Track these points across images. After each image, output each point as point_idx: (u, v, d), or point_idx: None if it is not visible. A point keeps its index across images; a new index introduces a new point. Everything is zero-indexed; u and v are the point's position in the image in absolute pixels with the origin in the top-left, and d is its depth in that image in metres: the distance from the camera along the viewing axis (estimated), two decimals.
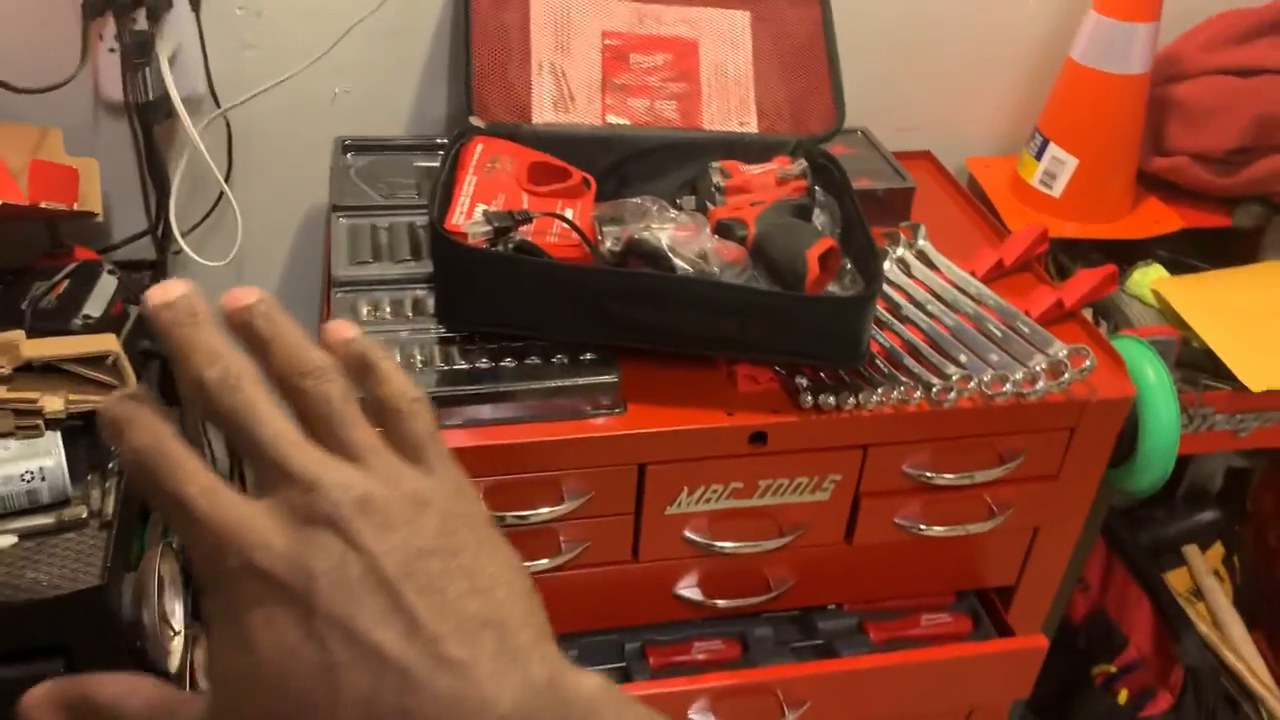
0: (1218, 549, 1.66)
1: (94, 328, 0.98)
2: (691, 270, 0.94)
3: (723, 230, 1.01)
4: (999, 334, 1.04)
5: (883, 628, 1.17)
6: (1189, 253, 1.34)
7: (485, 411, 0.92)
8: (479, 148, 1.06)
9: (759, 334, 0.93)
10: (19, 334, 0.90)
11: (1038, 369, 0.99)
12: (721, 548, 1.02)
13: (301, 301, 1.35)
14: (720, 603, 1.07)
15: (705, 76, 1.16)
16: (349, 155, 1.22)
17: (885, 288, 1.10)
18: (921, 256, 1.17)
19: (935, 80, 1.41)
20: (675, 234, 0.97)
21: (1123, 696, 1.47)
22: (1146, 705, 1.44)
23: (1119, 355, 1.07)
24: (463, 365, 0.93)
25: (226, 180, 1.25)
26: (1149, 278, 1.26)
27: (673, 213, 1.05)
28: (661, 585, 1.06)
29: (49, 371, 0.90)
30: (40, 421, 0.89)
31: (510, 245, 0.94)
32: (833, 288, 0.98)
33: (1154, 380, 1.08)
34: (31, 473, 0.86)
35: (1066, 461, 1.06)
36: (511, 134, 1.09)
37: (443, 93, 1.29)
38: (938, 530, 1.07)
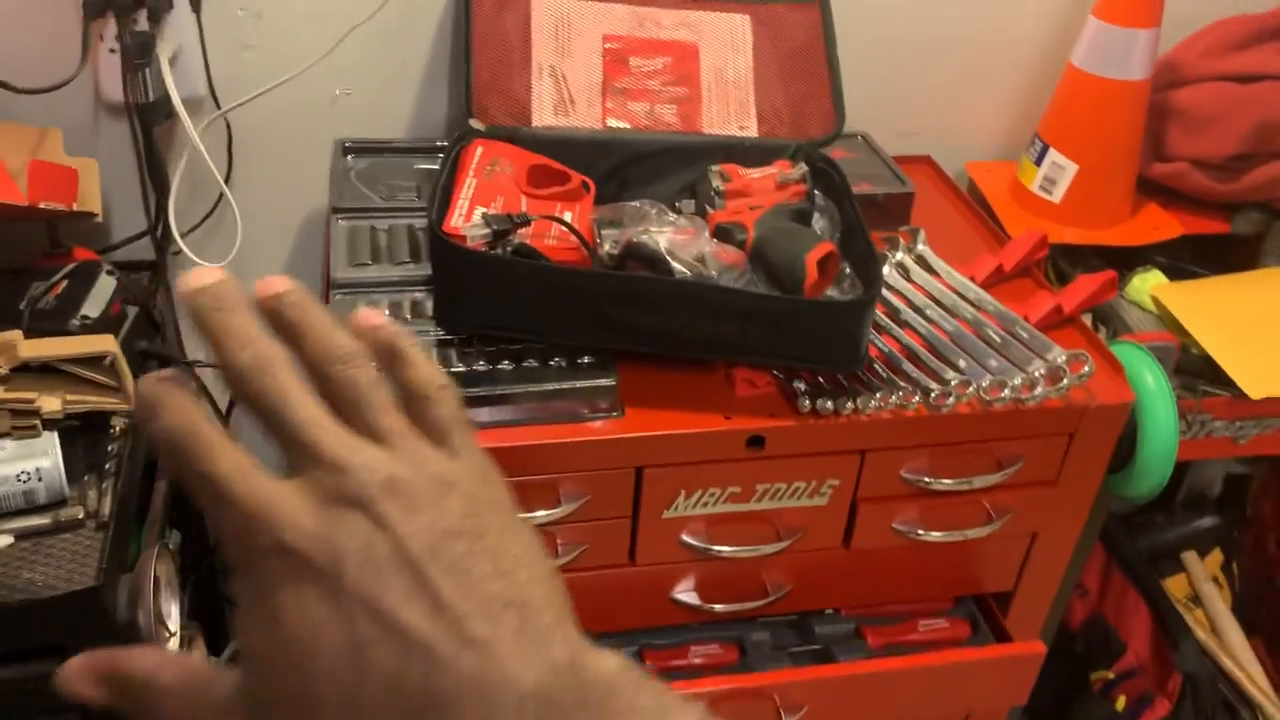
0: (1216, 555, 1.65)
1: (92, 328, 0.98)
2: (690, 274, 0.94)
3: (722, 234, 1.01)
4: (998, 339, 1.04)
5: (880, 633, 1.17)
6: (1188, 259, 1.34)
7: (483, 414, 0.92)
8: (479, 150, 1.06)
9: (757, 338, 0.93)
10: (17, 334, 0.90)
11: (1037, 374, 0.99)
12: (719, 552, 1.02)
13: None
14: (717, 607, 1.07)
15: (705, 80, 1.16)
16: (349, 157, 1.22)
17: (884, 292, 1.10)
18: (921, 261, 1.17)
19: (935, 85, 1.41)
20: (674, 237, 0.97)
21: (1121, 703, 1.47)
22: (1144, 712, 1.44)
23: (1118, 361, 1.07)
24: (460, 368, 0.93)
25: (226, 181, 1.25)
26: (1148, 284, 1.26)
27: (672, 216, 1.05)
28: (658, 589, 1.06)
29: (46, 372, 0.90)
30: (37, 422, 0.88)
31: (509, 248, 0.94)
32: (832, 292, 0.98)
33: (1153, 386, 1.08)
34: (28, 473, 0.85)
35: (1065, 467, 1.06)
36: (511, 137, 1.09)
37: (443, 95, 1.29)
38: (936, 535, 1.06)
